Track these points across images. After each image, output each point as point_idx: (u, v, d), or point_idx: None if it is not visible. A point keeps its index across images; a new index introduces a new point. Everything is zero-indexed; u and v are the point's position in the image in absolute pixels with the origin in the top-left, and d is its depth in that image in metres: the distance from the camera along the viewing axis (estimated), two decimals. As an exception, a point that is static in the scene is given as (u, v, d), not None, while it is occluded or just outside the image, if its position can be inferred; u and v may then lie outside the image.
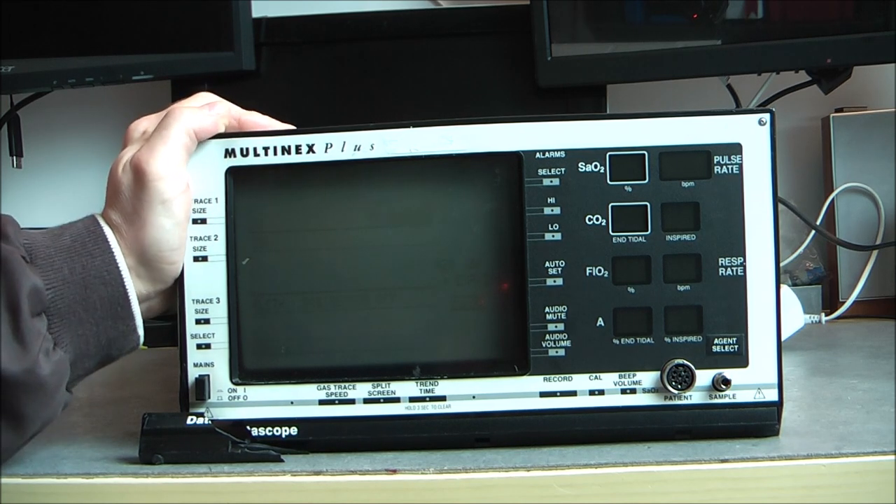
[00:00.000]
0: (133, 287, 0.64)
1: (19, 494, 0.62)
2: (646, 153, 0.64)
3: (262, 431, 0.65)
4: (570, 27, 1.20)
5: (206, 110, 0.66)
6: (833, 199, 1.24)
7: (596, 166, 0.64)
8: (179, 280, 0.66)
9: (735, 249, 0.64)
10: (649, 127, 0.64)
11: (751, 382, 0.64)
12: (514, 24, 1.25)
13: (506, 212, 0.65)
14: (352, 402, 0.65)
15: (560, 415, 0.64)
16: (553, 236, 0.65)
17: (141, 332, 0.65)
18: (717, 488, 0.59)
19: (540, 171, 0.65)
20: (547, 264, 0.64)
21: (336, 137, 0.65)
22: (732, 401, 0.64)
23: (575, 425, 0.64)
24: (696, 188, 0.64)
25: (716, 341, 0.64)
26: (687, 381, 0.64)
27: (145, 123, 0.68)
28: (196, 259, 0.66)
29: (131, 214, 0.64)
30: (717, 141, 0.64)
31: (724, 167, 0.64)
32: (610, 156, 0.64)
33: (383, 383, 0.65)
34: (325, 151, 0.65)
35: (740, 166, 0.64)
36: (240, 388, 0.65)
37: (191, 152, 0.65)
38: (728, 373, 0.64)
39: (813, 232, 1.23)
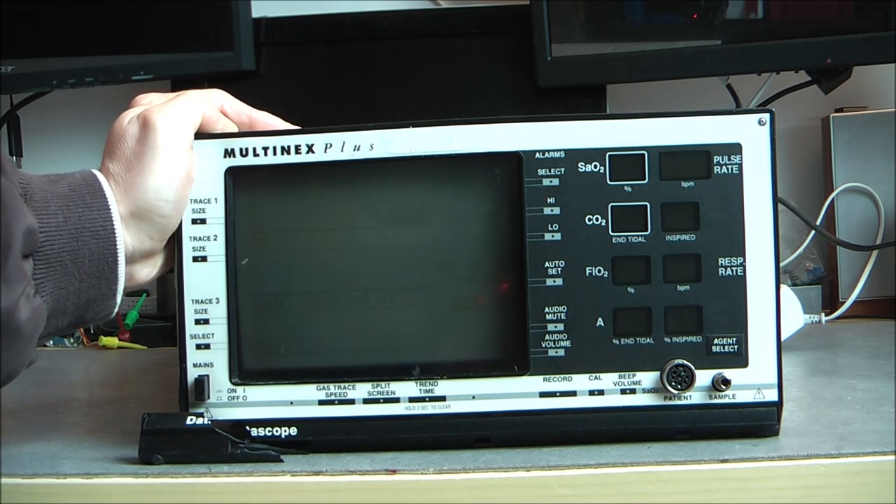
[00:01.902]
0: (124, 247, 0.63)
1: (19, 494, 0.62)
2: (645, 153, 0.64)
3: (261, 431, 0.65)
4: (570, 27, 1.20)
5: (220, 113, 0.68)
6: (833, 199, 1.24)
7: (596, 166, 0.64)
8: (179, 280, 0.66)
9: (735, 249, 0.64)
10: (649, 127, 0.64)
11: (751, 382, 0.64)
12: (514, 24, 1.25)
13: (506, 212, 0.65)
14: (351, 402, 0.65)
15: (560, 415, 0.64)
16: (553, 236, 0.64)
17: (119, 299, 0.64)
18: (717, 488, 0.59)
19: (540, 171, 0.64)
20: (547, 264, 0.64)
21: (336, 137, 0.65)
22: (732, 401, 0.64)
23: (575, 425, 0.64)
24: (695, 188, 0.64)
25: (716, 341, 0.64)
26: (687, 382, 0.64)
27: (153, 96, 0.69)
28: (195, 259, 0.66)
29: (131, 161, 0.64)
30: (716, 141, 0.64)
31: (724, 167, 0.64)
32: (610, 156, 0.64)
33: (383, 383, 0.65)
34: (325, 151, 0.65)
35: (740, 166, 0.64)
36: (239, 389, 0.65)
37: (195, 128, 0.66)
38: (728, 373, 0.64)
39: (813, 232, 1.23)
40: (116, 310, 0.65)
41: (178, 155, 0.64)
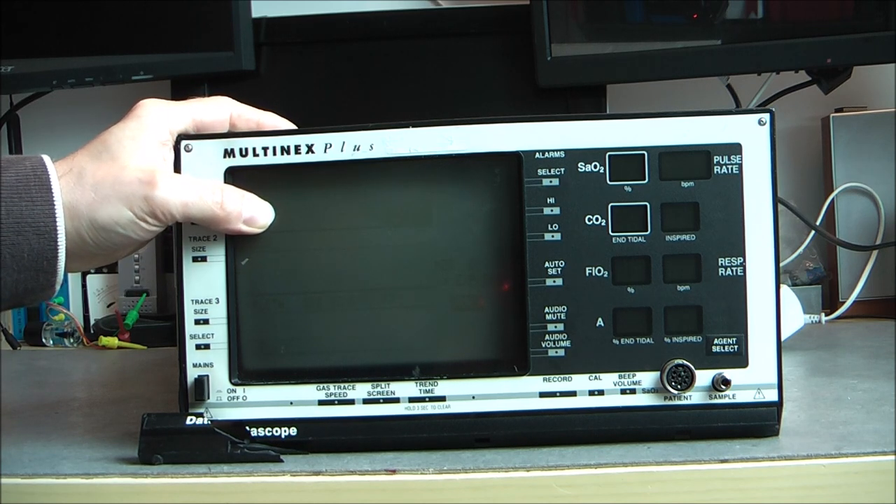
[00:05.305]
0: (65, 244, 0.62)
1: (19, 494, 0.62)
2: (645, 153, 0.64)
3: (261, 432, 0.65)
4: (569, 27, 1.20)
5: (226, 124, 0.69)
6: (833, 199, 1.24)
7: (595, 166, 0.64)
8: (179, 280, 0.66)
9: (735, 249, 0.64)
10: (649, 127, 0.64)
11: (751, 382, 0.64)
12: (514, 24, 1.25)
13: (506, 212, 0.65)
14: (351, 402, 0.65)
15: (560, 415, 0.64)
16: (553, 236, 0.64)
17: (58, 286, 0.64)
18: (717, 488, 0.59)
19: (539, 171, 0.64)
20: (547, 264, 0.64)
21: (336, 137, 0.65)
22: (732, 401, 0.64)
23: (575, 425, 0.64)
24: (695, 188, 0.64)
25: (716, 341, 0.64)
26: (687, 382, 0.64)
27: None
28: (195, 259, 0.66)
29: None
30: (716, 141, 0.64)
31: (724, 167, 0.64)
32: (609, 156, 0.64)
33: (383, 383, 0.65)
34: (325, 151, 0.65)
35: (740, 166, 0.64)
36: (239, 389, 0.65)
37: (173, 135, 0.66)
38: (728, 373, 0.64)
39: (813, 232, 1.23)
40: (57, 291, 0.65)
41: (155, 135, 0.65)
